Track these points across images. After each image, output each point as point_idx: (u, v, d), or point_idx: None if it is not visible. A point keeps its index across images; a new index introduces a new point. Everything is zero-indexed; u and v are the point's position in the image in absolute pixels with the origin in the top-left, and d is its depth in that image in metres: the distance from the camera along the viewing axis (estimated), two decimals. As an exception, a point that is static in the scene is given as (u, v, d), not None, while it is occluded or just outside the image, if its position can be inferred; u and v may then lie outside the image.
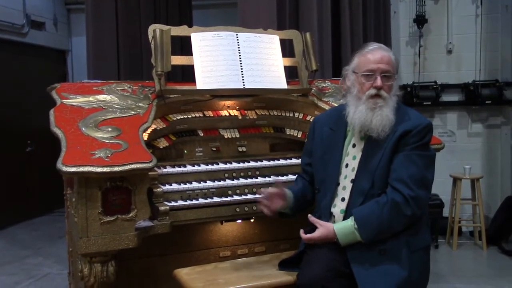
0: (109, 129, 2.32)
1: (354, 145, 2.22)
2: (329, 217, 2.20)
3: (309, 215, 2.22)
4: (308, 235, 2.13)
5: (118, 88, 2.66)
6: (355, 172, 2.17)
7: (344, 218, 2.14)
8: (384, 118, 2.11)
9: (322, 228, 2.12)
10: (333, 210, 2.20)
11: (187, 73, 4.68)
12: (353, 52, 4.40)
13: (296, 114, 2.96)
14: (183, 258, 2.74)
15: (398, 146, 2.10)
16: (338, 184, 2.21)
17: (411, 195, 2.02)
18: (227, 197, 2.52)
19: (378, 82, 2.14)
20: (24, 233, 5.77)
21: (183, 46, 4.30)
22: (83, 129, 2.30)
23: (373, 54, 2.17)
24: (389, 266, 2.01)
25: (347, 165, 2.21)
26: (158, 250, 2.71)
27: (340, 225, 2.10)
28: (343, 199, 2.18)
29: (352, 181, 2.17)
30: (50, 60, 6.89)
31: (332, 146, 2.27)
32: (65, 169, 2.04)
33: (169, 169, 2.58)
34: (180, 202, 2.43)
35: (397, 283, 1.98)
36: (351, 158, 2.21)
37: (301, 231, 2.17)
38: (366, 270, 2.02)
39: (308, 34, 2.98)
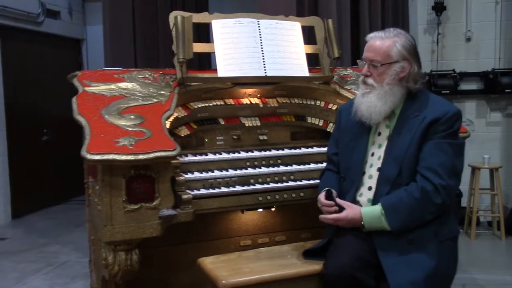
0: (132, 117, 2.30)
1: (379, 133, 2.20)
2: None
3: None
4: (335, 215, 2.11)
5: (139, 76, 2.64)
6: (381, 160, 2.14)
7: None
8: (370, 105, 2.14)
9: (349, 209, 2.10)
10: (359, 199, 2.18)
11: (203, 61, 4.68)
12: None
13: (318, 102, 2.93)
14: (203, 247, 2.74)
15: (427, 134, 2.06)
16: (364, 173, 2.19)
17: (442, 184, 1.99)
18: (249, 186, 2.50)
19: (363, 70, 2.20)
20: (41, 221, 5.81)
21: (200, 33, 4.28)
22: (106, 116, 2.28)
23: (368, 42, 2.21)
24: (417, 255, 1.98)
25: (373, 154, 2.19)
26: (178, 239, 2.70)
27: (367, 209, 2.09)
28: (369, 188, 2.15)
29: (379, 169, 2.14)
30: (65, 49, 6.89)
31: (357, 134, 2.25)
32: (89, 156, 2.03)
33: (190, 158, 2.56)
34: (203, 191, 2.41)
35: (425, 273, 1.95)
36: (377, 146, 2.19)
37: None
38: (394, 259, 2.00)
39: (330, 21, 2.93)
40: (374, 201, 2.12)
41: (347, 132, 2.30)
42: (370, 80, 2.17)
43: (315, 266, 2.15)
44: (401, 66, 2.14)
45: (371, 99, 2.14)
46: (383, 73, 2.14)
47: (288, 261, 2.21)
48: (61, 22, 6.70)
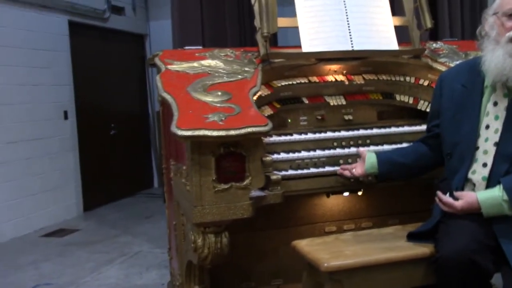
0: (219, 93, 2.20)
1: (495, 103, 1.96)
2: (465, 184, 1.97)
3: (438, 192, 2.00)
4: (450, 200, 1.91)
5: (221, 54, 2.55)
6: (499, 134, 1.91)
7: (487, 186, 1.90)
8: None
9: (463, 201, 1.89)
10: (472, 176, 1.95)
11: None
12: (450, 14, 4.11)
13: (407, 78, 2.71)
14: (286, 233, 2.60)
15: None
16: (477, 148, 1.96)
17: None
18: (339, 167, 2.35)
19: None
20: (111, 213, 5.88)
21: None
22: (192, 93, 2.19)
23: None
24: None
25: (487, 126, 1.96)
26: (260, 224, 2.57)
27: (485, 195, 1.86)
28: (484, 165, 1.93)
29: (496, 144, 1.91)
30: (129, 44, 6.97)
31: (467, 105, 2.01)
32: (180, 132, 1.94)
33: (275, 138, 2.42)
34: (291, 172, 2.28)
35: None
36: (493, 118, 1.95)
37: (439, 193, 1.96)
38: None
39: (420, -10, 2.72)
40: (489, 180, 1.90)
41: (452, 103, 2.07)
42: None
43: (423, 249, 1.96)
44: None
45: None
46: None
47: (392, 244, 2.03)
48: (126, 18, 6.78)
